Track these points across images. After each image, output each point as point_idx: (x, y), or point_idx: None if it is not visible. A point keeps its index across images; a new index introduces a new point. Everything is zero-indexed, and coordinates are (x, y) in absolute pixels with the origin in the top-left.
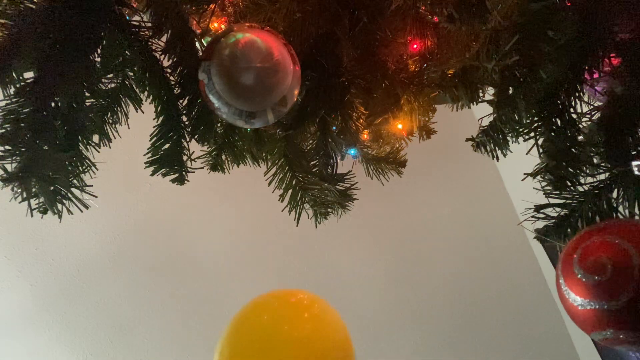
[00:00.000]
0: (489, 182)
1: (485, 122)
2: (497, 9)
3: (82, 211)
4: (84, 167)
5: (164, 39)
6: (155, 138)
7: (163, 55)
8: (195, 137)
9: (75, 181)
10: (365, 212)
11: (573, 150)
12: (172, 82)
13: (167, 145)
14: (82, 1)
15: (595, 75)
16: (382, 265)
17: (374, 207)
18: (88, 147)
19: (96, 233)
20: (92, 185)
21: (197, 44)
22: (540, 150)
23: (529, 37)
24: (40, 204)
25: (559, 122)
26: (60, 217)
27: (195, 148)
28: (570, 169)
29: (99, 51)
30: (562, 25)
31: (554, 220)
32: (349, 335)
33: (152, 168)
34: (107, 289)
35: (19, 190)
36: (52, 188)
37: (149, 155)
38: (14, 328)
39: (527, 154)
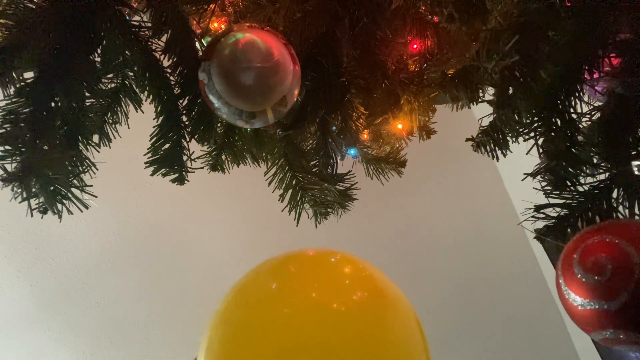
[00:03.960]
0: (489, 182)
1: (485, 122)
2: (497, 9)
3: (82, 211)
4: (84, 167)
5: (164, 39)
6: (155, 138)
7: (163, 55)
8: (195, 137)
9: (75, 181)
10: (365, 212)
11: (573, 150)
12: (172, 82)
13: (167, 145)
14: (82, 1)
15: (595, 75)
16: (382, 265)
17: (374, 207)
18: (88, 147)
19: (96, 233)
20: (92, 185)
21: (197, 44)
22: (540, 150)
23: (529, 37)
24: (40, 204)
25: (559, 122)
26: (60, 217)
27: (195, 148)
28: (570, 169)
29: (99, 51)
30: (562, 25)
31: (554, 220)
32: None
33: (152, 168)
34: (107, 289)
35: (19, 190)
36: (52, 188)
37: (149, 155)
38: (14, 328)
39: (527, 154)
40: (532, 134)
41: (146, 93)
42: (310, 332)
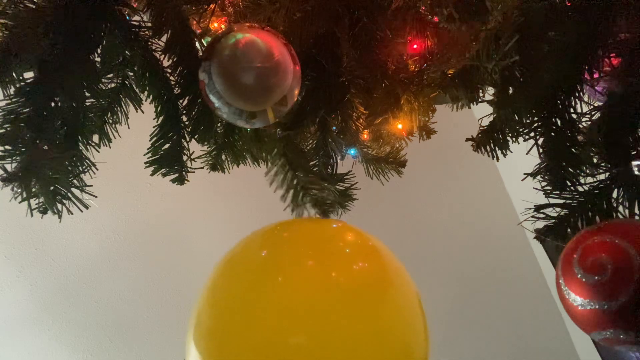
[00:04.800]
0: (489, 182)
1: (485, 122)
2: (497, 9)
3: (82, 211)
4: (84, 167)
5: (164, 39)
6: (155, 138)
7: (163, 55)
8: (195, 137)
9: (75, 181)
10: (365, 212)
11: (573, 150)
12: (172, 82)
13: (167, 145)
14: (82, 1)
15: (595, 75)
16: None
17: (374, 207)
18: (88, 147)
19: (96, 233)
20: (92, 185)
21: (197, 44)
22: (540, 150)
23: (529, 37)
24: (40, 204)
25: (559, 122)
26: (60, 217)
27: (195, 148)
28: (570, 169)
29: (99, 51)
30: (562, 25)
31: (554, 220)
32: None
33: (152, 168)
34: (107, 289)
35: (19, 190)
36: (52, 188)
37: (149, 155)
38: (14, 328)
39: (527, 154)
40: (532, 134)
41: (146, 93)
42: (305, 304)
